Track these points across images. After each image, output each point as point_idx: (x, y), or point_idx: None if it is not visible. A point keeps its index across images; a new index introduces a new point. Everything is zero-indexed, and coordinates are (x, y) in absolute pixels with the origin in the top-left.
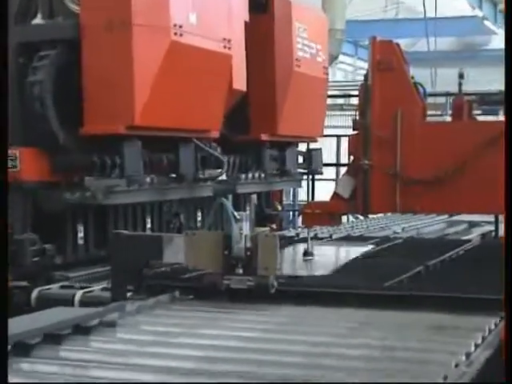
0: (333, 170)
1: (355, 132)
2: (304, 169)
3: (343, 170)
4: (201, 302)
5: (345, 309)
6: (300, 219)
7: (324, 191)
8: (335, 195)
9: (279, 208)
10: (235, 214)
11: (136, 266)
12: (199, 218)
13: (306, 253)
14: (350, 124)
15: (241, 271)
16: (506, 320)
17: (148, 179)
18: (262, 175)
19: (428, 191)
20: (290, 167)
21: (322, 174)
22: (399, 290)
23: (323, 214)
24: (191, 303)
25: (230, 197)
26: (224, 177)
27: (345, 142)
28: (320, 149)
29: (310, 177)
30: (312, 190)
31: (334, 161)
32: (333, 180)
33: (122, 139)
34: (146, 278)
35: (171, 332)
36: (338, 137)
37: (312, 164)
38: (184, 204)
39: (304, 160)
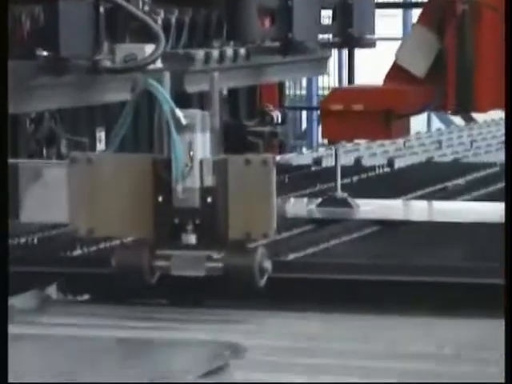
0: (394, 15)
1: None
2: (334, 35)
3: (413, 16)
4: (107, 307)
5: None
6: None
7: (370, 68)
8: (396, 71)
9: (275, 115)
10: (178, 113)
11: None
12: (101, 141)
13: (333, 200)
14: None
15: (193, 239)
16: (506, 319)
17: None
18: (242, 52)
19: None
20: (302, 34)
21: (373, 46)
22: None
23: (368, 115)
24: (85, 310)
25: (168, 86)
26: (158, 62)
27: None
28: None
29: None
30: (349, 66)
31: None
32: (392, 40)
33: None
34: None
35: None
36: None
37: (352, 24)
38: (69, 116)
39: (334, 17)
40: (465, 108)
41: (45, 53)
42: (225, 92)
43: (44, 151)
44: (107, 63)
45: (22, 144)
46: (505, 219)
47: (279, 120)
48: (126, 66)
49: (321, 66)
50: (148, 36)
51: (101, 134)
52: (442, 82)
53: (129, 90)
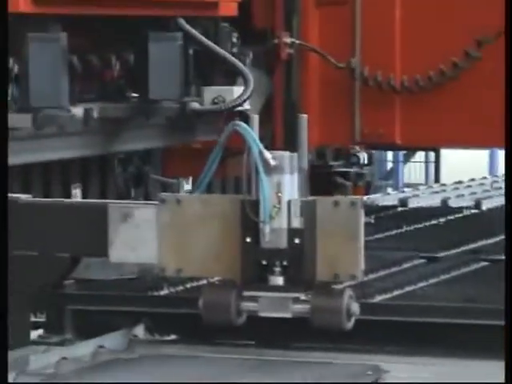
0: None
1: None
2: None
3: None
4: (194, 347)
5: None
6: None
7: None
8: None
9: (361, 156)
10: (267, 154)
11: (49, 275)
12: (188, 181)
13: None
14: None
15: (280, 281)
16: (506, 320)
17: (79, 111)
18: None
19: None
20: None
21: None
22: None
23: (206, 152)
24: (172, 349)
25: (256, 127)
26: (247, 104)
27: None
28: None
29: None
30: None
31: None
32: None
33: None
34: (69, 298)
35: None
36: None
37: None
38: (158, 157)
39: None
40: (292, 147)
41: (134, 95)
42: None
43: (132, 192)
44: (196, 105)
45: (110, 184)
46: (505, 224)
47: (365, 161)
48: (214, 107)
49: None
50: (236, 78)
51: None
52: (272, 122)
53: (216, 131)
